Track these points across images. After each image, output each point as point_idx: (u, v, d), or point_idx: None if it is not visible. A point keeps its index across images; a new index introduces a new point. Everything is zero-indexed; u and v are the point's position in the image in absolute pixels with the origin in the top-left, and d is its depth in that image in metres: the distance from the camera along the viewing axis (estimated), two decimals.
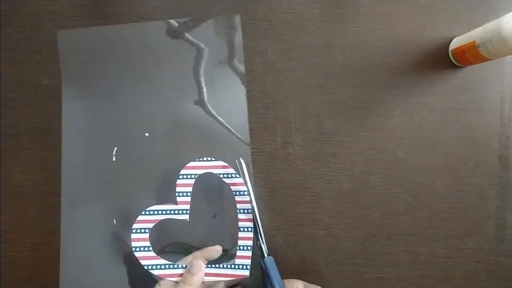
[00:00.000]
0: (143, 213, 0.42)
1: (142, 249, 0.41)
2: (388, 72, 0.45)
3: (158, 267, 0.41)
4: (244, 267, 0.41)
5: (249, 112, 0.46)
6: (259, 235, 0.41)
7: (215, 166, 0.42)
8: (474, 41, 0.39)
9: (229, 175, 0.42)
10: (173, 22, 0.46)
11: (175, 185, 0.42)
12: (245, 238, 0.41)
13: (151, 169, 0.45)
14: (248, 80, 0.46)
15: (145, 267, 0.41)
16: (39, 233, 0.46)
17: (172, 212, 0.42)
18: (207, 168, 0.42)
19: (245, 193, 0.42)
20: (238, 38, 0.46)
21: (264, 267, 0.40)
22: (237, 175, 0.42)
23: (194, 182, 0.42)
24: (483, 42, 0.38)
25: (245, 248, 0.41)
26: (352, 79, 0.45)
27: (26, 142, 0.46)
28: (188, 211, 0.42)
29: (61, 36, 0.46)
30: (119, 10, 0.47)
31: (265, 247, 0.41)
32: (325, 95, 0.46)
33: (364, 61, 0.45)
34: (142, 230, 0.41)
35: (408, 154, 0.45)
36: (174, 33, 0.46)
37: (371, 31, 0.46)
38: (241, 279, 0.41)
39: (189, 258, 0.42)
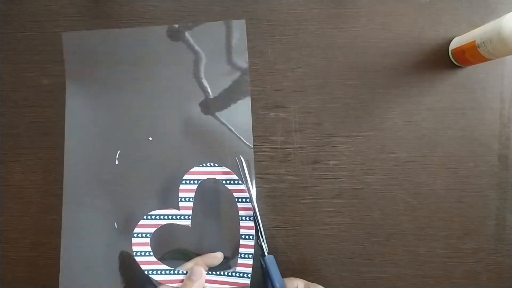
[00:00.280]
0: (144, 217, 0.41)
1: (142, 253, 0.41)
2: (388, 72, 0.45)
3: (159, 272, 0.41)
4: (245, 275, 0.40)
5: None
6: (259, 234, 0.41)
7: (218, 172, 0.42)
8: (474, 41, 0.39)
9: (232, 182, 0.42)
10: (177, 26, 0.46)
11: (177, 190, 0.42)
12: (247, 246, 0.41)
13: (153, 174, 0.45)
14: (249, 77, 0.46)
15: (146, 272, 0.41)
16: (39, 233, 0.46)
17: (174, 217, 0.42)
18: (210, 174, 0.42)
19: (248, 200, 0.41)
20: (243, 43, 0.46)
21: (264, 266, 0.40)
22: (240, 182, 0.42)
23: (197, 188, 0.42)
24: (483, 42, 0.38)
25: (247, 256, 0.41)
26: (352, 79, 0.46)
27: (26, 142, 0.46)
28: (190, 217, 0.42)
29: (65, 37, 0.46)
30: (119, 10, 0.47)
31: (266, 245, 0.41)
32: (325, 95, 0.46)
33: (364, 61, 0.45)
34: (143, 235, 0.41)
35: (408, 154, 0.45)
36: (177, 37, 0.46)
37: (371, 31, 0.46)
38: (242, 287, 0.41)
39: (189, 264, 0.41)
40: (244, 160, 0.43)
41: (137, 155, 0.45)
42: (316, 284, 0.39)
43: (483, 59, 0.40)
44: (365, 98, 0.45)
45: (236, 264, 0.41)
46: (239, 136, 0.45)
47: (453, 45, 0.44)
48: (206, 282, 0.40)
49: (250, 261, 0.40)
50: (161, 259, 0.42)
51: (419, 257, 0.45)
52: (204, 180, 0.42)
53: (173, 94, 0.46)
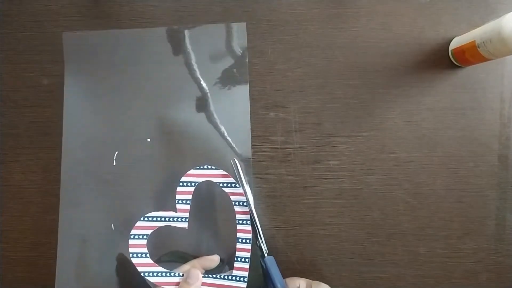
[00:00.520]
0: (141, 219, 0.41)
1: (139, 255, 0.41)
2: (388, 72, 0.45)
3: (155, 274, 0.41)
4: (241, 279, 0.40)
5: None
6: (258, 235, 0.41)
7: (216, 175, 0.42)
8: (474, 41, 0.39)
9: (229, 185, 0.42)
10: (176, 27, 0.46)
11: (175, 192, 0.42)
12: (243, 250, 0.41)
13: (151, 175, 0.45)
14: (248, 80, 0.46)
15: (142, 274, 0.40)
16: (39, 233, 0.46)
17: (171, 219, 0.41)
18: (208, 177, 0.42)
19: (245, 203, 0.41)
20: (243, 45, 0.46)
21: (264, 267, 0.40)
22: (237, 185, 0.41)
23: (194, 190, 0.42)
24: (483, 42, 0.38)
25: (243, 260, 0.40)
26: (352, 79, 0.46)
27: (26, 142, 0.46)
28: (187, 219, 0.41)
29: (66, 37, 0.46)
30: (119, 10, 0.47)
31: (265, 246, 0.41)
32: (325, 95, 0.46)
33: (364, 61, 0.45)
34: (140, 236, 0.41)
35: (408, 154, 0.45)
36: (177, 38, 0.46)
37: (371, 31, 0.46)
38: None
39: (186, 266, 0.41)
40: (239, 162, 0.43)
41: (135, 156, 0.45)
42: (318, 282, 0.39)
43: (483, 59, 0.40)
44: (365, 98, 0.45)
45: (233, 268, 0.41)
46: (237, 137, 0.45)
47: (453, 45, 0.44)
48: (202, 285, 0.40)
49: (247, 265, 0.40)
50: (158, 261, 0.42)
51: (419, 257, 0.45)
52: (201, 182, 0.42)
53: (172, 96, 0.46)
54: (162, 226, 0.41)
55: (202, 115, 0.45)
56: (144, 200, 0.45)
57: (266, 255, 0.41)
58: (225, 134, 0.45)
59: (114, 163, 0.45)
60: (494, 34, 0.36)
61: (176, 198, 0.41)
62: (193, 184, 0.42)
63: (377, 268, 0.45)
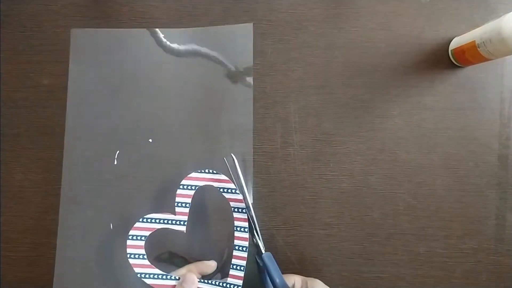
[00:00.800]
0: (140, 220, 0.41)
1: (136, 256, 0.41)
2: (388, 72, 0.45)
3: (151, 276, 0.40)
4: (235, 287, 0.40)
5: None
6: (254, 232, 0.41)
7: (217, 180, 0.42)
8: (474, 41, 0.39)
9: (229, 190, 0.41)
10: (183, 29, 0.46)
11: (174, 195, 0.41)
12: (240, 258, 0.40)
13: (152, 176, 0.45)
14: (252, 81, 0.46)
15: (138, 275, 0.40)
16: (39, 233, 0.46)
17: (169, 222, 0.41)
18: (208, 181, 0.42)
19: (244, 210, 0.41)
20: (249, 46, 0.46)
21: (262, 264, 0.40)
22: (237, 191, 0.41)
23: (194, 194, 0.42)
24: (483, 42, 0.38)
25: (239, 268, 0.40)
26: (352, 79, 0.46)
27: (26, 142, 0.46)
28: (185, 223, 0.41)
29: (74, 33, 0.46)
30: (119, 10, 0.47)
31: (262, 243, 0.41)
32: (325, 95, 0.46)
33: (364, 61, 0.45)
34: (138, 237, 0.41)
35: (408, 154, 0.45)
36: (184, 39, 0.46)
37: (371, 31, 0.46)
38: None
39: (182, 270, 0.41)
40: (236, 158, 0.43)
41: (136, 157, 0.45)
42: (313, 278, 0.39)
43: (483, 59, 0.40)
44: (365, 98, 0.45)
45: (227, 275, 0.40)
46: (239, 138, 0.45)
47: (453, 45, 0.44)
48: None
49: (242, 274, 0.40)
50: (155, 263, 0.41)
51: (419, 257, 0.45)
52: (201, 186, 0.42)
53: (175, 96, 0.46)
54: (161, 228, 0.41)
55: (204, 116, 0.45)
56: (144, 201, 0.45)
57: (263, 251, 0.40)
58: (227, 135, 0.45)
59: (115, 162, 0.45)
60: (494, 34, 0.36)
61: (176, 200, 0.41)
62: (193, 187, 0.41)
63: (377, 268, 0.45)
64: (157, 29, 0.46)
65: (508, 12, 0.36)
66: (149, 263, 0.41)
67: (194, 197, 0.41)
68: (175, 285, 0.40)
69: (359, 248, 0.45)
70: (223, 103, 0.45)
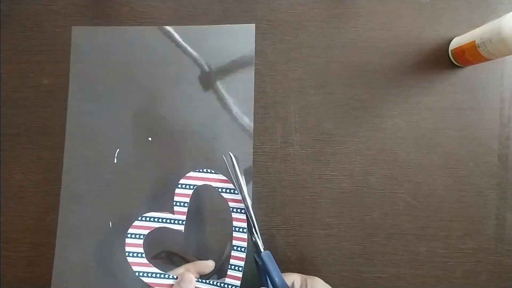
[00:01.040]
0: (139, 218, 0.41)
1: (135, 254, 0.41)
2: (387, 72, 0.45)
3: (149, 275, 0.40)
4: (233, 287, 0.40)
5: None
6: (253, 231, 0.41)
7: (215, 179, 0.41)
8: (474, 41, 0.39)
9: (228, 190, 0.41)
10: (184, 26, 0.46)
11: (173, 194, 0.41)
12: (238, 258, 0.40)
13: (151, 175, 0.45)
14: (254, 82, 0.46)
15: (136, 273, 0.40)
16: (39, 233, 0.46)
17: (168, 221, 0.41)
18: (207, 180, 0.41)
19: (243, 211, 0.41)
20: (251, 47, 0.46)
21: (261, 262, 0.40)
22: (236, 191, 0.41)
23: (192, 193, 0.41)
24: (483, 42, 0.38)
25: (237, 268, 0.40)
26: (352, 79, 0.46)
27: (26, 142, 0.46)
28: (184, 222, 0.41)
29: (75, 31, 0.46)
30: (119, 10, 0.47)
31: (261, 242, 0.41)
32: (325, 95, 0.46)
33: (364, 61, 0.45)
34: (137, 236, 0.41)
35: (408, 154, 0.45)
36: (186, 39, 0.46)
37: (371, 31, 0.46)
38: None
39: (180, 270, 0.41)
40: (234, 156, 0.42)
41: (136, 155, 0.45)
42: (313, 276, 0.39)
43: (483, 59, 0.40)
44: (365, 98, 0.45)
45: (225, 275, 0.40)
46: (239, 138, 0.45)
47: (453, 45, 0.44)
48: None
49: (240, 274, 0.40)
50: (153, 261, 0.41)
51: (419, 257, 0.45)
52: (200, 186, 0.42)
53: (174, 95, 0.46)
54: (159, 227, 0.41)
55: (205, 116, 0.45)
56: (143, 200, 0.45)
57: (262, 250, 0.40)
58: (227, 135, 0.45)
59: (115, 161, 0.45)
60: (494, 34, 0.36)
61: (174, 200, 0.41)
62: (191, 187, 0.41)
63: (377, 268, 0.45)
64: (159, 27, 0.46)
65: (508, 12, 0.36)
66: (147, 262, 0.41)
67: (192, 197, 0.41)
68: (172, 284, 0.40)
69: (359, 248, 0.45)
70: (224, 102, 0.45)
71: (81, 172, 0.45)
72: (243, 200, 0.41)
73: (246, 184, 0.42)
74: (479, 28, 0.40)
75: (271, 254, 0.40)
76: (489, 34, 0.37)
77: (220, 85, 0.46)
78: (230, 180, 0.41)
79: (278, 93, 0.46)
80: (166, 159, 0.45)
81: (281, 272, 0.40)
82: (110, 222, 0.45)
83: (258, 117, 0.45)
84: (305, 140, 0.45)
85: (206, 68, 0.46)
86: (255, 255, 0.41)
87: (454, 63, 0.45)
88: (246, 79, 0.46)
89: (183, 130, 0.45)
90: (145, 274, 0.40)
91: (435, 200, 0.45)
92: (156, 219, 0.41)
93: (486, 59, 0.40)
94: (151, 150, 0.45)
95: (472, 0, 0.45)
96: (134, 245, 0.41)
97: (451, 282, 0.44)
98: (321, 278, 0.40)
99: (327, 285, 0.39)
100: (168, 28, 0.46)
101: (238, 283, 0.40)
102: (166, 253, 0.44)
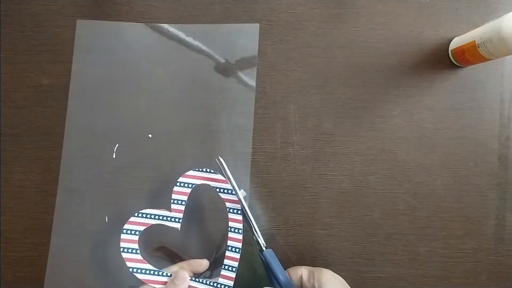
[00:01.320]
0: (136, 214, 0.41)
1: (130, 250, 0.41)
2: (387, 72, 0.45)
3: (143, 271, 0.40)
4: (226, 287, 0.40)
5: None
6: (253, 230, 0.41)
7: (214, 179, 0.41)
8: (474, 41, 0.39)
9: (226, 191, 0.41)
10: (187, 25, 0.46)
11: (171, 191, 0.41)
12: (232, 259, 0.40)
13: (149, 171, 0.45)
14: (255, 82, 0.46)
15: (130, 270, 0.40)
16: (39, 233, 0.46)
17: (164, 218, 0.41)
18: (205, 180, 0.42)
19: (239, 211, 0.41)
20: (254, 47, 0.46)
21: (264, 260, 0.40)
22: (233, 192, 0.41)
23: (190, 192, 0.41)
24: (483, 42, 0.38)
25: (230, 268, 0.40)
26: (351, 79, 0.46)
27: (26, 142, 0.46)
28: (180, 220, 0.41)
29: (79, 25, 0.46)
30: (119, 10, 0.47)
31: (262, 240, 0.41)
32: (325, 95, 0.46)
33: (364, 61, 0.45)
34: (133, 232, 0.41)
35: (408, 154, 0.45)
36: (189, 36, 0.46)
37: (371, 31, 0.46)
38: None
39: (174, 268, 0.41)
40: (236, 158, 0.42)
41: (135, 151, 0.45)
42: (320, 268, 0.39)
43: (483, 59, 0.40)
44: (365, 98, 0.45)
45: (219, 275, 0.40)
46: (239, 137, 0.45)
47: (453, 45, 0.44)
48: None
49: (233, 275, 0.40)
50: (147, 258, 0.41)
51: (419, 257, 0.45)
52: (198, 185, 0.42)
53: (175, 93, 0.46)
54: (155, 224, 0.41)
55: (205, 115, 0.46)
56: (140, 196, 0.45)
57: (264, 248, 0.40)
58: (228, 134, 0.45)
59: (114, 156, 0.45)
60: (494, 34, 0.36)
61: (172, 197, 0.41)
62: (190, 185, 0.41)
63: (377, 268, 0.45)
64: (160, 25, 0.46)
65: (508, 12, 0.36)
66: (142, 258, 0.41)
67: (190, 195, 0.41)
68: (166, 282, 0.40)
69: (359, 248, 0.45)
70: (224, 102, 0.45)
71: (79, 166, 0.45)
72: (239, 201, 0.41)
73: (246, 185, 0.42)
74: (479, 28, 0.40)
75: (273, 252, 0.40)
76: (489, 34, 0.37)
77: (221, 84, 0.46)
78: (228, 181, 0.41)
79: (278, 93, 0.46)
80: (165, 157, 0.45)
81: (288, 267, 0.40)
82: (106, 217, 0.45)
83: (258, 117, 0.46)
84: (305, 140, 0.45)
85: (208, 66, 0.46)
86: (260, 254, 0.41)
87: (454, 63, 0.45)
88: (247, 79, 0.46)
89: (184, 128, 0.45)
90: (139, 271, 0.40)
91: (435, 200, 0.45)
92: (153, 216, 0.41)
93: (486, 59, 0.40)
94: (151, 147, 0.45)
95: (472, 0, 0.45)
96: (129, 241, 0.41)
97: (451, 282, 0.45)
98: None
99: (336, 275, 0.38)
100: (173, 26, 0.46)
101: (231, 283, 0.40)
102: (161, 250, 0.44)
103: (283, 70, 0.46)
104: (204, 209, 0.45)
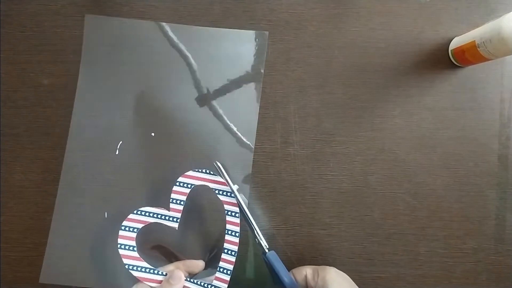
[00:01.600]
0: (135, 212, 0.41)
1: (127, 247, 0.41)
2: (387, 72, 0.45)
3: (139, 269, 0.40)
4: None
5: None
6: (255, 232, 0.41)
7: (213, 181, 0.42)
8: (474, 41, 0.39)
9: (225, 193, 0.41)
10: (195, 26, 0.46)
11: (171, 191, 0.41)
12: (227, 261, 0.40)
13: (150, 169, 0.45)
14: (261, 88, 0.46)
15: (126, 266, 0.40)
16: (40, 233, 0.46)
17: (163, 217, 0.41)
18: (205, 181, 0.42)
19: (237, 214, 0.41)
20: (262, 53, 0.46)
21: (267, 262, 0.40)
22: (233, 195, 0.41)
23: (190, 192, 0.42)
24: (483, 42, 0.38)
25: (225, 271, 0.40)
26: (351, 79, 0.46)
27: (26, 142, 0.46)
28: (178, 220, 0.41)
29: (88, 20, 0.46)
30: (119, 10, 0.47)
31: (264, 242, 0.41)
32: (325, 95, 0.46)
33: (364, 61, 0.45)
34: (131, 229, 0.41)
35: (408, 154, 0.45)
36: (195, 37, 0.46)
37: (371, 31, 0.46)
38: None
39: (170, 267, 0.41)
40: (221, 164, 0.43)
41: (137, 149, 0.45)
42: (324, 266, 0.39)
43: (483, 59, 0.40)
44: (365, 98, 0.45)
45: (213, 278, 0.40)
46: (242, 139, 0.45)
47: (453, 45, 0.44)
48: None
49: (228, 277, 0.40)
50: (144, 256, 0.41)
51: (419, 257, 0.45)
52: (197, 185, 0.42)
53: (180, 93, 0.46)
54: (153, 222, 0.41)
55: (208, 115, 0.46)
56: (140, 194, 0.45)
57: (267, 250, 0.40)
58: (230, 136, 0.45)
59: (117, 152, 0.45)
60: (494, 34, 0.36)
61: (171, 197, 0.41)
62: (189, 186, 0.41)
63: (377, 268, 0.45)
64: (167, 24, 0.46)
65: (508, 12, 0.36)
66: (138, 256, 0.41)
67: (189, 196, 0.41)
68: (161, 281, 0.40)
69: (359, 248, 0.45)
70: (229, 104, 0.45)
71: (81, 160, 0.45)
72: (239, 204, 0.41)
73: (245, 185, 0.42)
74: (479, 28, 0.40)
75: (275, 254, 0.40)
76: (489, 34, 0.37)
77: (227, 86, 0.46)
78: (227, 183, 0.41)
79: (278, 93, 0.46)
80: (167, 156, 0.45)
81: (289, 268, 0.40)
82: (106, 213, 0.45)
83: (258, 117, 0.46)
84: (305, 140, 0.45)
85: (215, 68, 0.46)
86: (263, 256, 0.41)
87: (454, 63, 0.45)
88: (253, 83, 0.46)
89: (187, 128, 0.45)
90: (134, 268, 0.40)
91: (435, 200, 0.45)
92: (151, 214, 0.41)
93: (486, 59, 0.40)
94: (153, 145, 0.45)
95: (472, 0, 0.45)
96: (127, 238, 0.41)
97: (451, 282, 0.45)
98: None
99: (340, 272, 0.38)
100: (179, 26, 0.46)
101: (225, 286, 0.40)
102: (157, 249, 0.44)
103: (283, 70, 0.46)
104: (202, 210, 0.45)
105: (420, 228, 0.45)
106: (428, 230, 0.45)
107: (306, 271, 0.39)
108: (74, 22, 0.47)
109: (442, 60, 0.45)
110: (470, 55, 0.41)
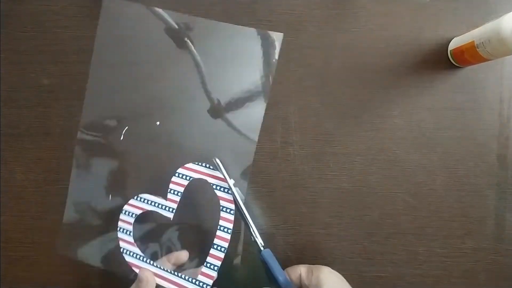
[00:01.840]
0: (135, 197, 0.42)
1: (124, 231, 0.42)
2: (387, 73, 0.45)
3: (131, 254, 0.42)
4: (204, 286, 0.40)
5: None
6: (251, 230, 0.41)
7: (212, 176, 0.42)
8: (473, 41, 0.40)
9: (222, 189, 0.42)
10: (208, 20, 0.46)
11: (170, 180, 0.42)
12: (216, 257, 0.40)
13: (153, 157, 0.46)
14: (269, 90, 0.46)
15: (121, 249, 0.42)
16: (40, 232, 0.46)
17: (159, 206, 0.42)
18: (204, 175, 0.42)
19: (232, 211, 0.41)
20: (274, 56, 0.45)
21: (262, 261, 0.40)
22: (230, 191, 0.41)
23: (188, 184, 0.42)
24: (482, 42, 0.38)
25: (212, 267, 0.40)
26: (351, 79, 0.46)
27: (27, 142, 0.46)
28: (174, 210, 0.42)
29: (106, 2, 0.46)
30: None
31: (259, 240, 0.41)
32: (325, 95, 0.46)
33: (364, 62, 0.46)
34: (130, 214, 0.42)
35: (408, 154, 0.45)
36: (206, 32, 0.46)
37: (371, 32, 0.46)
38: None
39: (159, 261, 0.42)
40: (220, 161, 0.43)
41: (142, 136, 0.46)
42: (319, 265, 0.39)
43: (482, 59, 0.40)
44: (365, 98, 0.45)
45: (199, 272, 0.40)
46: (245, 135, 0.45)
47: (452, 45, 0.44)
48: (165, 280, 0.41)
49: (214, 273, 0.40)
50: (137, 241, 0.43)
51: (418, 256, 0.45)
52: (196, 178, 0.42)
53: (187, 86, 0.46)
54: (151, 210, 0.42)
55: (212, 112, 0.46)
56: (142, 180, 0.46)
57: (262, 248, 0.40)
58: (234, 132, 0.45)
59: (122, 138, 0.46)
60: (494, 34, 0.36)
61: (169, 187, 0.42)
62: (188, 178, 0.42)
63: (377, 268, 0.45)
64: (188, 16, 0.46)
65: (507, 12, 0.36)
66: (133, 241, 0.42)
67: (187, 188, 0.42)
68: (149, 269, 0.41)
69: (359, 248, 0.45)
70: (235, 102, 0.45)
71: (91, 139, 0.46)
72: (237, 202, 0.41)
73: (244, 184, 0.42)
74: (478, 28, 0.40)
75: (271, 252, 0.40)
76: (489, 35, 0.37)
77: (236, 86, 0.46)
78: (225, 179, 0.41)
79: (278, 93, 0.46)
80: (169, 146, 0.45)
81: (287, 267, 0.40)
82: (110, 195, 0.46)
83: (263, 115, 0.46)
84: (305, 140, 0.45)
85: (225, 68, 0.46)
86: (258, 254, 0.41)
87: (453, 64, 0.45)
88: (262, 84, 0.46)
89: (190, 121, 0.46)
90: (128, 252, 0.42)
91: (434, 200, 0.45)
92: (149, 202, 0.42)
93: (485, 60, 0.40)
94: (157, 134, 0.46)
95: (472, 0, 0.45)
96: (126, 222, 0.42)
97: (451, 282, 0.45)
98: None
99: (334, 271, 0.38)
100: (190, 17, 0.46)
101: (210, 282, 0.40)
102: (150, 237, 0.45)
103: (283, 71, 0.46)
104: (198, 203, 0.45)
105: (419, 228, 0.45)
106: (428, 230, 0.45)
107: (301, 270, 0.39)
108: (75, 22, 0.47)
109: (442, 61, 0.45)
110: (469, 56, 0.41)
